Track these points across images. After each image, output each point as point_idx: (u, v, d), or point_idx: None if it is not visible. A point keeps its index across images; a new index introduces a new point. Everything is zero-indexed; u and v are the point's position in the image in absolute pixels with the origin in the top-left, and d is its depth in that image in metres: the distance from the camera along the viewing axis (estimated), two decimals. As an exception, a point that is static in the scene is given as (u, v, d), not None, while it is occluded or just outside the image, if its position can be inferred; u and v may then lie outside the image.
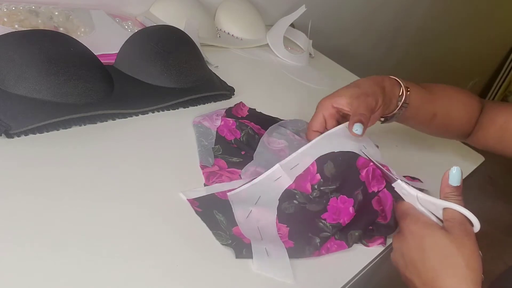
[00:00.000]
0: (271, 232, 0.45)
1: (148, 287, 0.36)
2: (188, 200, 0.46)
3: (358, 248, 0.49)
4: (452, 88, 0.62)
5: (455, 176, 0.41)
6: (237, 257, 0.42)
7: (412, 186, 0.44)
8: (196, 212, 0.45)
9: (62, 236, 0.37)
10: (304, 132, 0.64)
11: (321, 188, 0.49)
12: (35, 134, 0.46)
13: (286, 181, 0.48)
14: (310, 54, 0.99)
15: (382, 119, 0.59)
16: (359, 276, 0.46)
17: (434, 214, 0.42)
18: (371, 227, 0.50)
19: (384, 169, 0.49)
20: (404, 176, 0.62)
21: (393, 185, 0.46)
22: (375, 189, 0.49)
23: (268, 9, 1.04)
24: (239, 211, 0.46)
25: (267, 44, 0.92)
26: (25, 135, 0.46)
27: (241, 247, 0.43)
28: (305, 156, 0.49)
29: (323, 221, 0.48)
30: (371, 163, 0.49)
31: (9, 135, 0.44)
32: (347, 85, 0.55)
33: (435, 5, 1.70)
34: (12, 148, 0.44)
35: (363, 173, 0.49)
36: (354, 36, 1.44)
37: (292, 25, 1.00)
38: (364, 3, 1.36)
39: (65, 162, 0.45)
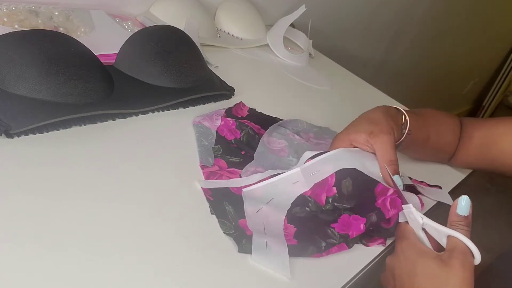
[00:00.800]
0: (277, 229, 0.45)
1: (147, 287, 0.36)
2: (202, 188, 0.47)
3: (358, 248, 0.49)
4: (437, 111, 0.62)
5: (463, 206, 0.41)
6: (239, 251, 0.42)
7: (420, 212, 0.43)
8: (208, 200, 0.47)
9: (62, 236, 0.37)
10: (304, 132, 0.64)
11: (335, 203, 0.48)
12: (35, 134, 0.46)
13: (303, 187, 0.48)
14: (310, 54, 0.99)
15: None
16: (359, 276, 0.46)
17: (435, 241, 0.42)
18: (371, 228, 0.50)
19: (400, 189, 0.48)
20: (421, 182, 0.61)
21: (403, 206, 0.45)
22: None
23: (268, 9, 1.04)
24: (250, 207, 0.47)
25: (267, 44, 0.92)
26: (25, 135, 0.46)
27: (241, 238, 0.43)
28: (326, 164, 0.48)
29: (331, 229, 0.47)
30: (389, 193, 0.47)
31: (9, 135, 0.44)
32: (359, 119, 0.54)
33: (435, 5, 1.70)
34: (12, 148, 0.44)
35: (379, 200, 0.47)
36: (354, 36, 1.44)
37: (292, 25, 1.00)
38: (364, 3, 1.36)
39: (65, 162, 0.45)
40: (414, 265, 0.40)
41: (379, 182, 0.48)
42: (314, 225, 0.47)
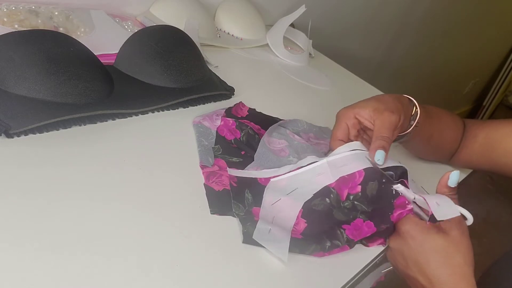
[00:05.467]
0: (286, 224, 0.45)
1: (147, 287, 0.36)
2: (229, 174, 0.50)
3: (358, 248, 0.49)
4: (441, 109, 0.63)
5: (455, 179, 0.46)
6: (243, 241, 0.43)
7: (410, 190, 0.47)
8: (231, 185, 0.49)
9: (61, 236, 0.37)
10: (304, 132, 0.64)
11: (355, 202, 0.47)
12: (35, 134, 0.46)
13: (328, 179, 0.47)
14: (310, 54, 0.99)
15: None
16: (359, 276, 0.46)
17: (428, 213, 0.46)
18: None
19: (378, 164, 0.48)
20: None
21: (393, 186, 0.47)
22: None
23: (268, 9, 1.04)
24: (269, 197, 0.47)
25: (267, 44, 0.92)
26: (25, 135, 0.46)
27: (247, 221, 0.45)
28: (356, 160, 0.48)
29: (342, 230, 0.47)
30: (407, 208, 0.47)
31: (9, 135, 0.44)
32: (367, 98, 0.54)
33: (435, 5, 1.70)
34: (12, 148, 0.44)
35: (396, 214, 0.47)
36: (354, 36, 1.44)
37: (292, 25, 1.00)
38: (364, 3, 1.36)
39: (65, 162, 0.45)
40: (422, 243, 0.44)
41: (400, 194, 0.47)
42: (325, 223, 0.46)
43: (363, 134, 0.55)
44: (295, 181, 0.48)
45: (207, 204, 0.47)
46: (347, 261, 0.47)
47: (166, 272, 0.38)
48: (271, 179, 0.49)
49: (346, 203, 0.47)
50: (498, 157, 0.59)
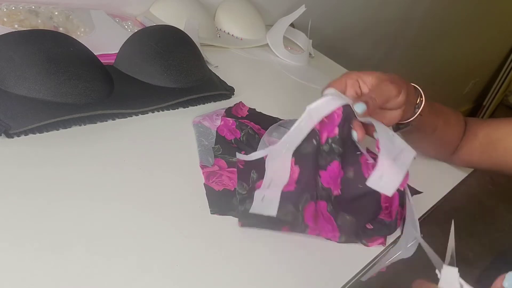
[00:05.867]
0: (281, 181, 0.46)
1: (147, 287, 0.36)
2: (238, 159, 0.50)
3: (358, 248, 0.49)
4: (444, 106, 0.63)
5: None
6: (242, 225, 0.45)
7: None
8: (238, 167, 0.50)
9: (62, 236, 0.37)
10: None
11: (333, 145, 0.47)
12: (35, 134, 0.46)
13: (312, 122, 0.47)
14: (310, 54, 0.99)
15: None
16: (359, 276, 0.46)
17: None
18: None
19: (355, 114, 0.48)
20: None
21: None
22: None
23: (268, 9, 1.04)
24: (270, 161, 0.47)
25: (267, 44, 0.92)
26: (25, 135, 0.46)
27: (245, 199, 0.47)
28: (334, 101, 0.47)
29: (318, 177, 0.48)
30: (369, 161, 0.48)
31: (9, 135, 0.44)
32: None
33: (435, 5, 1.70)
34: (12, 148, 0.44)
35: (362, 160, 0.49)
36: (354, 35, 1.44)
37: (292, 25, 1.00)
38: (364, 3, 1.36)
39: (65, 162, 0.45)
40: None
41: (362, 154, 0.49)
42: (312, 168, 0.47)
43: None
44: (287, 138, 0.48)
45: (207, 204, 0.47)
46: (347, 261, 0.47)
47: (166, 272, 0.38)
48: (270, 147, 0.48)
49: (325, 147, 0.47)
50: (498, 156, 0.60)
